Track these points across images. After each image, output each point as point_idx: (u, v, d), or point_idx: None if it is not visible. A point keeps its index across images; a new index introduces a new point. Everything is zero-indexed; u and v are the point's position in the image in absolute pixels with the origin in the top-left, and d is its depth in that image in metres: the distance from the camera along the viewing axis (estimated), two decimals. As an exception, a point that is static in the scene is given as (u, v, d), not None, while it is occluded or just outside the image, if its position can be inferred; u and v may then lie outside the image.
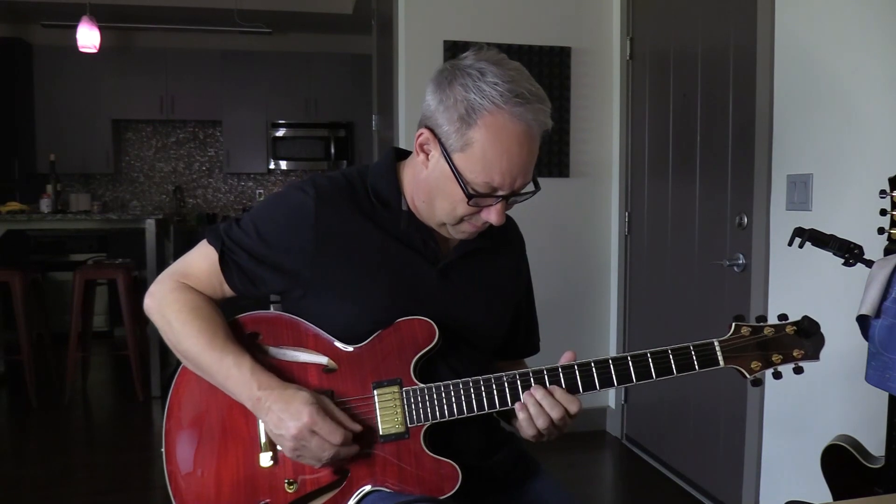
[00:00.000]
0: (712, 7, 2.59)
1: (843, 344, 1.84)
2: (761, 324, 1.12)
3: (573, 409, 1.09)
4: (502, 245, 1.28)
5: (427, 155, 1.11)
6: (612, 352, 3.42)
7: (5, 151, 5.61)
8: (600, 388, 1.11)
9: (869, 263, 1.40)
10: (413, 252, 1.17)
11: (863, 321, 1.36)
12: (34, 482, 2.93)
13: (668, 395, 2.96)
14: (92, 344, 4.45)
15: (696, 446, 2.75)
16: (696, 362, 1.10)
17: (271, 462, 1.11)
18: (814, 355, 1.12)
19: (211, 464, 1.13)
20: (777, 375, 1.12)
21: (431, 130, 1.09)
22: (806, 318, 1.12)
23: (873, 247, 1.44)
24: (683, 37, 2.79)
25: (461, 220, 1.12)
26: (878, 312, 1.34)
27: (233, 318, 1.17)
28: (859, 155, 1.92)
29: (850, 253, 1.45)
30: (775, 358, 1.11)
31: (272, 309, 1.20)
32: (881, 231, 1.40)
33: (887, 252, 1.38)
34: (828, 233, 1.48)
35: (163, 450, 1.16)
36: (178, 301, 1.14)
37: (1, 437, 3.64)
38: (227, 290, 1.18)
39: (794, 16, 2.15)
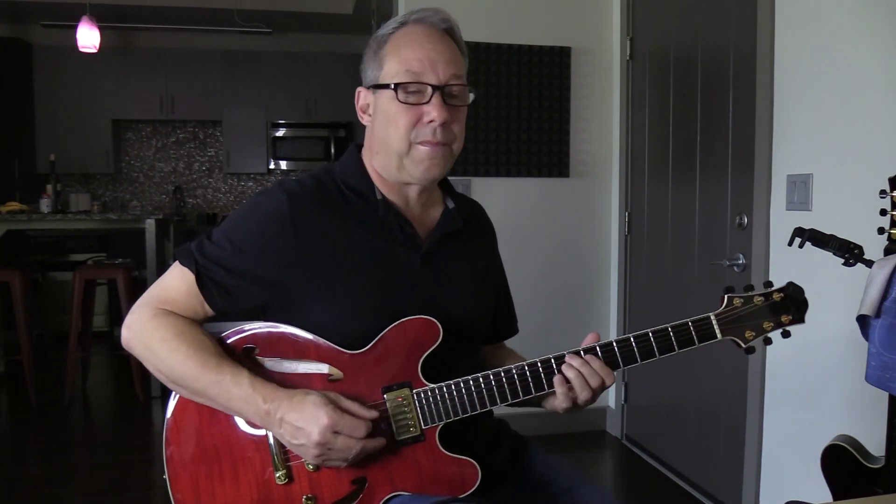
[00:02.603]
0: (712, 7, 2.59)
1: (843, 344, 1.84)
2: (751, 293, 1.15)
3: (609, 381, 1.12)
4: (474, 230, 1.30)
5: (367, 113, 1.18)
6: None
7: (5, 151, 5.61)
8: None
9: (869, 263, 1.40)
10: (393, 243, 1.16)
11: (863, 321, 1.36)
12: (34, 482, 2.94)
13: (668, 395, 2.97)
14: (92, 344, 4.45)
15: (696, 446, 2.75)
16: (695, 337, 1.12)
17: (286, 480, 1.07)
18: (799, 319, 1.15)
19: (222, 490, 1.08)
20: (767, 341, 1.15)
21: (362, 86, 1.18)
22: (791, 283, 1.15)
23: (873, 247, 1.44)
24: (683, 37, 2.79)
25: (412, 144, 1.12)
26: (878, 312, 1.34)
27: (223, 335, 1.12)
28: (859, 155, 1.92)
29: (850, 253, 1.45)
30: (766, 325, 1.14)
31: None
32: (881, 231, 1.40)
33: (887, 252, 1.38)
34: (828, 233, 1.48)
35: (165, 476, 1.10)
36: (160, 328, 1.09)
37: (1, 437, 3.65)
38: (209, 311, 1.13)
39: (794, 16, 2.15)
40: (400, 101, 1.10)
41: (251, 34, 6.21)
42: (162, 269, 4.36)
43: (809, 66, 2.09)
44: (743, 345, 1.14)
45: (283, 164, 6.49)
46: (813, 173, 2.08)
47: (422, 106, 1.10)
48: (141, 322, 1.11)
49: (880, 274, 1.34)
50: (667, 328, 1.12)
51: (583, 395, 1.10)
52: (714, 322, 1.13)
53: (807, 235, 1.49)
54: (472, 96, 1.17)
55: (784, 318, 1.14)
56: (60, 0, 5.25)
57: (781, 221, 2.21)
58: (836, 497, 1.58)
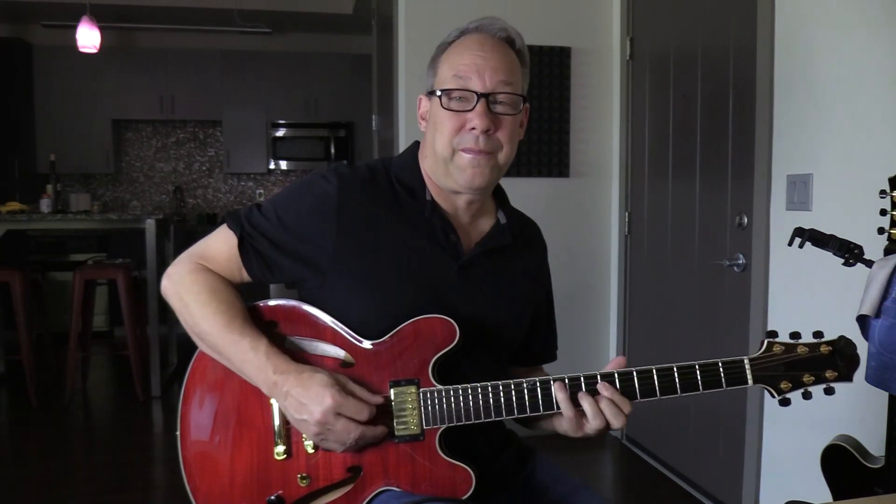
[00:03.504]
0: (712, 7, 2.59)
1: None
2: (795, 341, 1.07)
3: (626, 410, 1.08)
4: (524, 247, 1.28)
5: (425, 119, 1.19)
6: (612, 353, 3.42)
7: (5, 151, 5.61)
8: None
9: (869, 263, 1.40)
10: (434, 246, 1.16)
11: (863, 321, 1.36)
12: (34, 482, 2.93)
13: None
14: (92, 344, 4.45)
15: (696, 446, 2.75)
16: (723, 380, 1.06)
17: (284, 456, 1.10)
18: (847, 377, 1.06)
19: (225, 452, 1.12)
20: (807, 396, 1.08)
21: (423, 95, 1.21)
22: (843, 338, 1.07)
23: (873, 247, 1.44)
24: (683, 37, 2.79)
25: (455, 151, 1.12)
26: (878, 312, 1.33)
27: (251, 305, 1.15)
28: (859, 155, 1.92)
29: (850, 253, 1.45)
30: (807, 378, 1.06)
31: (271, 295, 1.20)
32: (881, 231, 1.40)
33: (887, 252, 1.38)
34: (828, 233, 1.48)
35: (178, 433, 1.14)
36: (196, 283, 1.13)
37: (1, 437, 3.65)
38: (246, 276, 1.17)
39: (794, 16, 2.15)
40: (443, 107, 1.11)
41: (251, 34, 6.21)
42: (162, 268, 4.36)
43: (809, 66, 2.09)
44: (776, 395, 1.07)
45: (284, 165, 6.48)
46: (813, 173, 2.08)
47: (466, 113, 1.11)
48: (180, 274, 1.15)
49: (880, 274, 1.34)
50: (694, 366, 1.06)
51: (594, 423, 1.06)
52: (747, 367, 1.06)
53: (807, 235, 1.49)
54: (525, 105, 1.17)
55: (829, 374, 1.06)
56: (60, 0, 5.25)
57: (781, 221, 2.21)
58: (836, 497, 1.58)
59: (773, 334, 1.08)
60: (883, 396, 1.44)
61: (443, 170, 1.14)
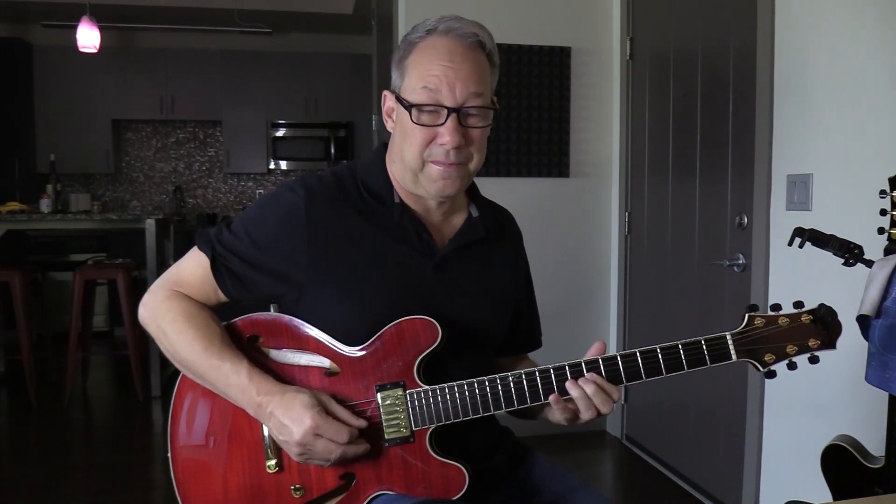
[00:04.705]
0: (712, 7, 2.59)
1: (844, 344, 1.84)
2: (776, 313, 1.08)
3: (615, 396, 1.08)
4: (498, 239, 1.27)
5: (391, 118, 1.17)
6: (612, 352, 3.42)
7: (5, 151, 5.61)
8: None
9: (869, 263, 1.40)
10: (408, 247, 1.15)
11: (863, 321, 1.36)
12: (34, 482, 2.93)
13: (668, 395, 2.97)
14: (92, 344, 4.45)
15: (696, 446, 2.75)
16: (707, 357, 1.06)
17: (276, 469, 1.10)
18: (830, 344, 1.07)
19: (218, 470, 1.12)
20: (792, 366, 1.08)
21: (389, 89, 1.16)
22: (822, 305, 1.07)
23: (873, 247, 1.44)
24: (683, 37, 2.79)
25: (425, 162, 1.10)
26: (878, 312, 1.33)
27: (231, 322, 1.15)
28: (859, 155, 1.92)
29: (850, 253, 1.45)
30: (790, 349, 1.06)
31: (272, 310, 1.19)
32: (881, 231, 1.40)
33: (887, 252, 1.38)
34: (828, 233, 1.48)
35: (169, 455, 1.14)
36: (172, 310, 1.13)
37: (1, 437, 3.64)
38: (222, 297, 1.16)
39: (794, 16, 2.15)
40: (413, 121, 1.09)
41: (251, 34, 6.21)
42: (162, 268, 4.35)
43: (809, 66, 2.09)
44: (761, 368, 1.07)
45: (283, 165, 6.48)
46: (813, 173, 2.08)
47: (437, 127, 1.09)
48: (155, 302, 1.15)
49: (880, 274, 1.34)
50: (677, 345, 1.06)
51: (587, 414, 1.07)
52: (730, 342, 1.06)
53: (807, 235, 1.49)
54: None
55: (812, 343, 1.06)
56: (60, 0, 5.25)
57: (781, 221, 2.21)
58: (836, 497, 1.58)
59: (754, 308, 1.08)
60: (883, 396, 1.43)
61: (412, 178, 1.13)
